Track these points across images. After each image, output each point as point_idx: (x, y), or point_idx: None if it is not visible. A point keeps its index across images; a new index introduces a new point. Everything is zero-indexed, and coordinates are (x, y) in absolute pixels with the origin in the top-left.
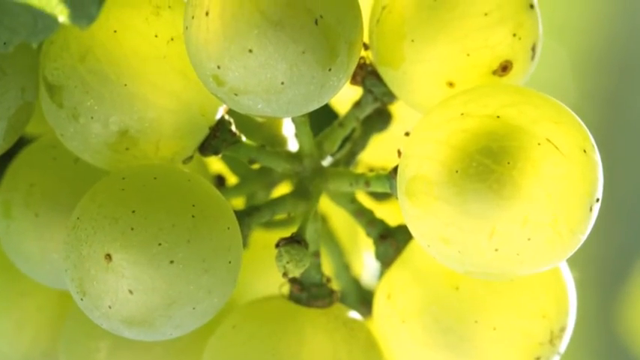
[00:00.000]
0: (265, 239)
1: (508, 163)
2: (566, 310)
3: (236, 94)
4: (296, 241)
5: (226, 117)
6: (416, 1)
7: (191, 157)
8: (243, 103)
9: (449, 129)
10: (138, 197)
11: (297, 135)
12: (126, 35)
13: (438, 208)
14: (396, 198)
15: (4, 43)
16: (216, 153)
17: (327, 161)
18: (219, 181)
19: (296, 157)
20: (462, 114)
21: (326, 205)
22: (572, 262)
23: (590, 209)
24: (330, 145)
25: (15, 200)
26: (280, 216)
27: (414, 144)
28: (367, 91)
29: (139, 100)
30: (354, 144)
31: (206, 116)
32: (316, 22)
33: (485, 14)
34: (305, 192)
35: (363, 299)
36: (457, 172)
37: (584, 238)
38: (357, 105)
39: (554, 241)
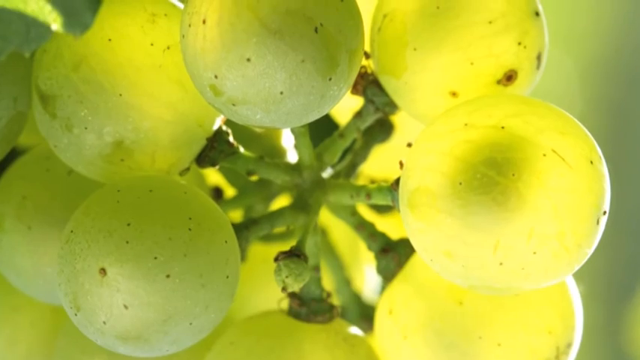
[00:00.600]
0: (264, 253)
1: (513, 174)
2: (572, 326)
3: (234, 104)
4: (295, 254)
5: (224, 128)
6: (418, 8)
7: (188, 169)
8: (242, 113)
9: (452, 140)
10: (133, 210)
11: (296, 146)
12: (121, 44)
13: (441, 221)
14: (398, 211)
15: None
16: (213, 164)
17: (327, 173)
18: (217, 193)
19: (295, 168)
20: (466, 124)
21: (326, 217)
22: (579, 276)
23: (597, 222)
24: (330, 156)
25: (7, 213)
26: (279, 229)
27: (416, 155)
28: (368, 101)
29: (135, 111)
30: (355, 155)
31: (203, 127)
32: (316, 31)
33: (490, 22)
34: (304, 204)
35: (364, 314)
36: (461, 184)
37: (590, 251)
38: (358, 115)
39: (560, 254)
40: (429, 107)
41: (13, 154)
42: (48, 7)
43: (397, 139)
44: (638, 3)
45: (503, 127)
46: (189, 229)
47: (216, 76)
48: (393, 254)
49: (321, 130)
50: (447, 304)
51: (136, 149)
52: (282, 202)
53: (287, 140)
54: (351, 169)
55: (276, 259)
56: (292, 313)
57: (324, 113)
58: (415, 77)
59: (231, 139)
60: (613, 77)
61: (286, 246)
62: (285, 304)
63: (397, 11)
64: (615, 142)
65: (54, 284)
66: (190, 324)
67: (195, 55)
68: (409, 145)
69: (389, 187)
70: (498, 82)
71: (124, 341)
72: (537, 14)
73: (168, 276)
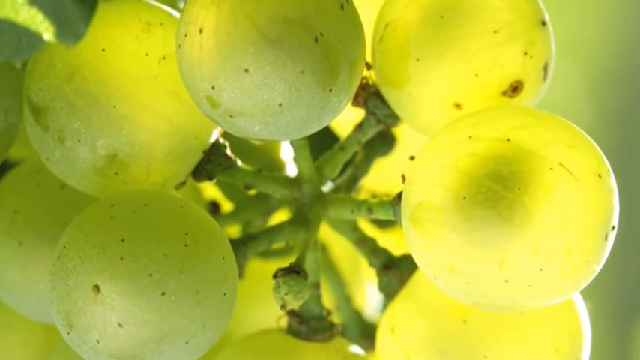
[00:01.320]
0: (262, 269)
1: (519, 189)
2: (579, 345)
3: (231, 116)
4: (295, 271)
5: (221, 140)
6: (421, 18)
7: (184, 183)
8: (239, 125)
9: (456, 153)
10: (127, 225)
11: (295, 159)
12: (115, 54)
13: (445, 237)
14: (401, 226)
15: None
16: (210, 178)
17: (327, 187)
18: (214, 207)
19: (295, 182)
20: (470, 137)
21: (326, 233)
22: (587, 293)
23: (606, 238)
24: (330, 170)
25: None
26: (278, 245)
27: (419, 169)
28: (370, 112)
29: (129, 123)
30: (356, 169)
31: (200, 139)
32: (316, 40)
33: (495, 32)
34: (304, 219)
35: (366, 333)
36: (465, 198)
37: (599, 268)
38: (359, 128)
39: (567, 271)
40: (432, 119)
41: (4, 168)
42: (40, 17)
43: (399, 152)
44: None
45: (508, 140)
46: (186, 245)
47: (213, 87)
48: (395, 271)
49: (321, 142)
50: (450, 322)
51: (130, 162)
52: (280, 217)
53: (286, 153)
54: (352, 183)
55: (274, 276)
56: (291, 331)
57: (324, 125)
58: (418, 88)
59: (228, 152)
60: (622, 88)
61: (285, 262)
62: (284, 322)
63: (400, 20)
64: (624, 155)
65: (46, 301)
66: (186, 343)
67: (191, 66)
68: (412, 158)
69: (391, 202)
70: (504, 93)
71: None
72: (544, 23)
73: (163, 293)
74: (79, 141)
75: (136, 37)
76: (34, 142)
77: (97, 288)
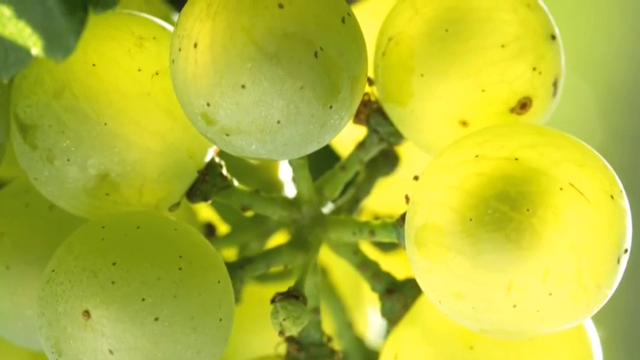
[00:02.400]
0: (260, 294)
1: (527, 210)
2: None
3: (227, 134)
4: (293, 296)
5: (217, 159)
6: (426, 31)
7: (178, 204)
8: (236, 143)
9: (462, 173)
10: (119, 248)
11: (294, 179)
12: (106, 69)
13: (451, 260)
14: (404, 249)
15: None
16: (205, 199)
17: (327, 208)
18: (209, 229)
19: (293, 203)
20: (477, 156)
21: (326, 256)
22: (598, 319)
23: (618, 261)
24: (331, 190)
25: None
26: (276, 268)
27: (423, 189)
28: (372, 130)
29: (121, 141)
30: (358, 189)
31: (194, 158)
32: (316, 55)
33: (503, 46)
34: (303, 242)
35: None
36: (471, 220)
37: (611, 292)
38: (361, 146)
39: (578, 296)
40: (437, 137)
41: None
42: (28, 30)
43: (403, 172)
44: None
45: (516, 159)
46: (180, 269)
47: (208, 104)
48: (398, 295)
49: (322, 162)
50: (456, 348)
51: (122, 182)
52: (279, 239)
53: (284, 173)
54: (354, 204)
55: (272, 301)
56: (290, 358)
57: (324, 144)
58: (422, 105)
59: (224, 171)
60: (636, 105)
61: (284, 287)
62: (282, 348)
63: (403, 34)
64: (638, 174)
65: (34, 328)
66: None
67: (185, 82)
68: (416, 178)
69: (394, 224)
70: (512, 110)
71: None
72: (554, 37)
73: (156, 319)
74: (68, 160)
75: (128, 52)
76: (21, 161)
77: (87, 313)
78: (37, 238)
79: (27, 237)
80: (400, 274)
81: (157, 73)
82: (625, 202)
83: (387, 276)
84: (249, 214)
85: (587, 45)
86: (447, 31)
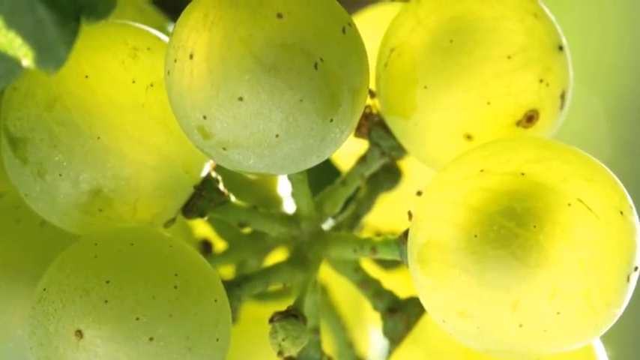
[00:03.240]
0: (258, 313)
1: (534, 226)
2: None
3: (224, 148)
4: (293, 315)
5: (213, 174)
6: (429, 42)
7: (173, 220)
8: (233, 157)
9: (467, 188)
10: (112, 266)
11: (293, 195)
12: (99, 81)
13: (455, 278)
14: (407, 266)
15: None
16: (201, 215)
17: (327, 224)
18: (206, 247)
19: (292, 219)
20: (482, 171)
21: (326, 274)
22: (607, 339)
23: (627, 279)
24: (331, 206)
25: None
26: (275, 287)
27: (426, 205)
28: (374, 144)
29: (114, 155)
30: (359, 205)
31: (190, 173)
32: (316, 67)
33: (509, 57)
34: (303, 259)
35: None
36: (476, 236)
37: (620, 311)
38: (363, 160)
39: (586, 315)
40: (440, 151)
41: None
42: (18, 41)
43: (405, 187)
44: None
45: (523, 174)
46: (175, 287)
47: (204, 117)
48: (401, 314)
49: (321, 176)
50: None
51: (115, 198)
52: (277, 256)
53: (283, 188)
54: (355, 220)
55: (271, 320)
56: None
57: (324, 158)
58: (426, 118)
59: (221, 186)
60: None
61: (283, 305)
62: None
63: (406, 45)
64: None
65: (25, 348)
66: None
67: (181, 94)
68: (419, 193)
69: (396, 241)
70: (518, 123)
71: None
72: (561, 48)
73: (151, 339)
74: (60, 175)
75: (122, 63)
76: (12, 175)
77: (79, 333)
78: (28, 255)
79: (18, 254)
80: (402, 293)
81: (151, 85)
82: (635, 218)
83: (389, 294)
84: (247, 230)
85: (596, 56)
86: (451, 41)
